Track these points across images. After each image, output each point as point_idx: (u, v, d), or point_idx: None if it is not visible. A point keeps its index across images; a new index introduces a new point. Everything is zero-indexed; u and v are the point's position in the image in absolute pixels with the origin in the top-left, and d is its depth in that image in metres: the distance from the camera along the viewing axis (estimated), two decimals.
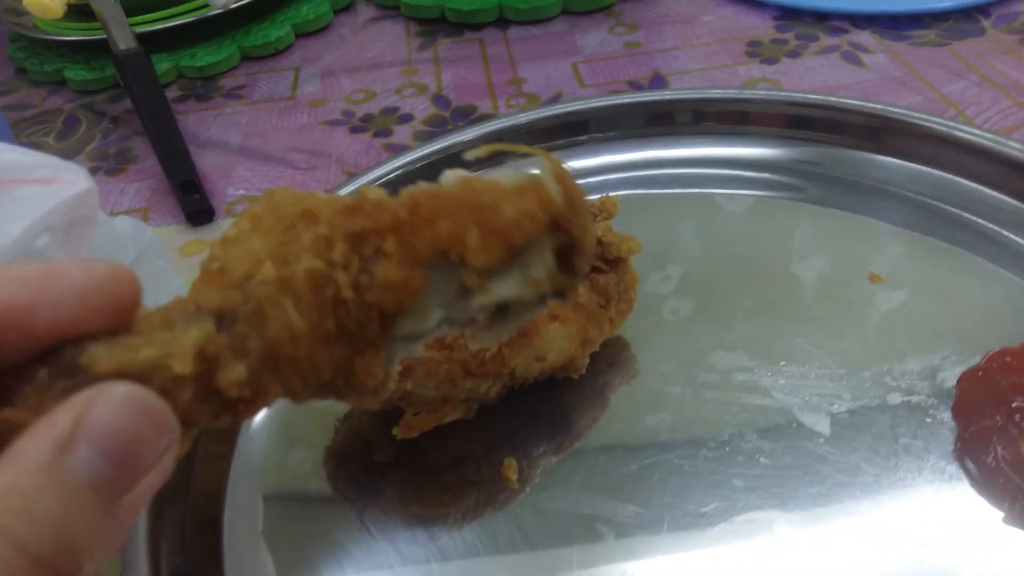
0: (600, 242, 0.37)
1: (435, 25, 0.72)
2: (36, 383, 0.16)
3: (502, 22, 0.71)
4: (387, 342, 0.20)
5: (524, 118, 0.51)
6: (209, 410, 0.18)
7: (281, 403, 0.20)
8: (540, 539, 0.33)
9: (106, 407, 0.15)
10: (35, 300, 0.16)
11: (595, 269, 0.37)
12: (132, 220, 0.34)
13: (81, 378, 0.16)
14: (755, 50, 0.62)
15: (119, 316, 0.17)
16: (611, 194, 0.39)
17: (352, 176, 0.48)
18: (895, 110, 0.47)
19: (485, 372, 0.33)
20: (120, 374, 0.17)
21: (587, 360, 0.37)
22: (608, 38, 0.67)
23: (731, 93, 0.50)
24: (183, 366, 0.17)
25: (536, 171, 0.21)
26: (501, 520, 0.34)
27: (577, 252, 0.21)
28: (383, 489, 0.36)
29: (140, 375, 0.17)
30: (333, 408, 0.39)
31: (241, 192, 0.53)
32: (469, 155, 0.23)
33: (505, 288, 0.21)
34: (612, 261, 0.38)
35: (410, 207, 0.20)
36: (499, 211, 0.20)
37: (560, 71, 0.63)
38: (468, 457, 0.37)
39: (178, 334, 0.17)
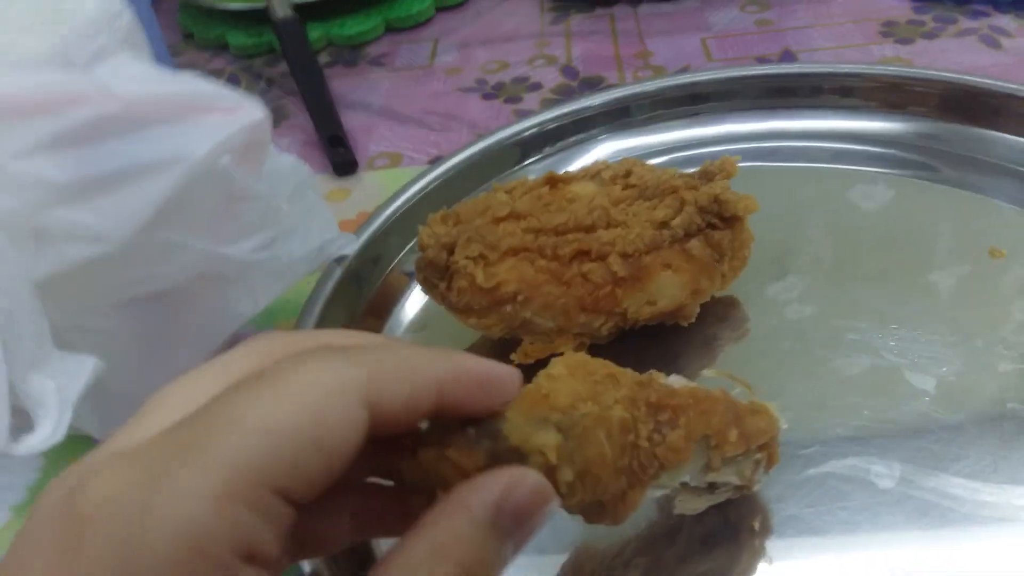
0: (717, 199, 0.39)
1: (568, 1, 0.74)
2: (466, 438, 0.23)
3: None
4: (649, 484, 0.27)
5: (646, 87, 0.53)
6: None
7: None
8: None
9: (524, 490, 0.21)
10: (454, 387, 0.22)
11: (711, 225, 0.39)
12: (293, 157, 0.38)
13: (500, 444, 0.23)
14: (890, 30, 0.62)
15: (502, 398, 0.23)
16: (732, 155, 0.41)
17: (482, 136, 0.51)
18: (1013, 86, 0.46)
19: (599, 309, 0.36)
20: (520, 451, 0.23)
21: (697, 309, 0.39)
22: (739, 16, 0.67)
23: (846, 68, 0.51)
24: (550, 460, 0.23)
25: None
26: None
27: (770, 465, 0.31)
28: None
29: (531, 451, 0.23)
30: (458, 333, 0.41)
31: (382, 148, 0.57)
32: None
33: (728, 474, 0.29)
34: (728, 218, 0.39)
35: (694, 397, 0.28)
36: (748, 422, 0.29)
37: (689, 45, 0.64)
38: None
39: (544, 435, 0.23)
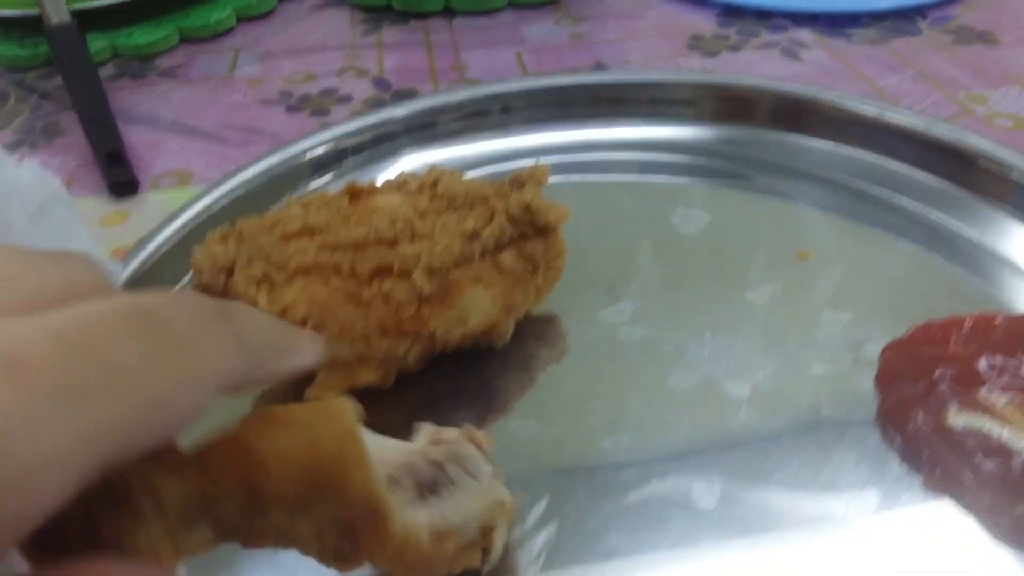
0: (528, 208, 0.36)
1: (380, 13, 0.71)
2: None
3: (448, 12, 0.70)
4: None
5: (452, 98, 0.50)
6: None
7: None
8: None
9: None
10: None
11: (523, 235, 0.37)
12: (36, 167, 0.32)
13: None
14: (696, 43, 0.63)
15: None
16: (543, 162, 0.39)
17: (282, 146, 0.47)
18: (827, 93, 0.47)
19: (403, 332, 0.33)
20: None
21: (511, 327, 0.37)
22: (553, 29, 0.67)
23: (653, 76, 0.51)
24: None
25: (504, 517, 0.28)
26: None
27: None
28: None
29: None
30: None
31: (170, 166, 0.52)
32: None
33: None
34: (540, 228, 0.37)
35: (397, 554, 0.24)
36: (436, 568, 0.26)
37: (504, 59, 0.63)
38: (385, 430, 0.35)
39: (188, 534, 0.20)
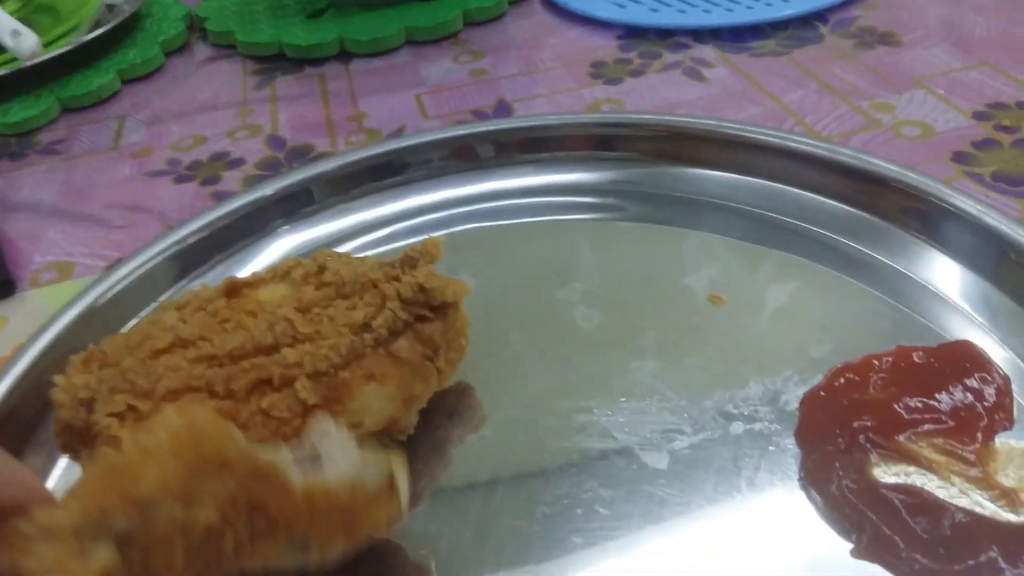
0: (423, 288, 0.34)
1: (273, 62, 0.68)
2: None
3: (344, 56, 0.68)
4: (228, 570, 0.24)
5: (353, 156, 0.48)
6: None
7: None
8: None
9: None
10: None
11: (419, 318, 0.35)
12: None
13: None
14: (599, 71, 0.61)
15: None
16: (435, 235, 0.37)
17: (170, 229, 0.44)
18: (728, 124, 0.46)
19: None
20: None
21: (415, 419, 0.35)
22: (453, 67, 0.64)
23: (534, 120, 0.49)
24: None
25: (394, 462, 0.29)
26: None
27: None
28: None
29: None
30: None
31: (49, 259, 0.49)
32: None
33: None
34: (437, 307, 0.35)
35: (308, 506, 0.25)
36: (360, 522, 0.27)
37: (403, 104, 0.60)
38: None
39: (90, 554, 0.21)
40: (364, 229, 0.47)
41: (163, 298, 0.42)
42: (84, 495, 0.22)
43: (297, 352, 0.31)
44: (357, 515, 0.27)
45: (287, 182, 0.46)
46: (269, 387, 0.30)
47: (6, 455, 0.23)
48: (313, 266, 0.36)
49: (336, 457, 0.27)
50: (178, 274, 0.43)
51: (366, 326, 0.33)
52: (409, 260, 0.36)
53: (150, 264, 0.43)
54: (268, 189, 0.45)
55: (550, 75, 0.62)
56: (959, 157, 0.47)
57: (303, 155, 0.56)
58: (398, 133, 0.56)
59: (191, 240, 0.44)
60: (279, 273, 0.36)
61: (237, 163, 0.55)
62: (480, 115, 0.57)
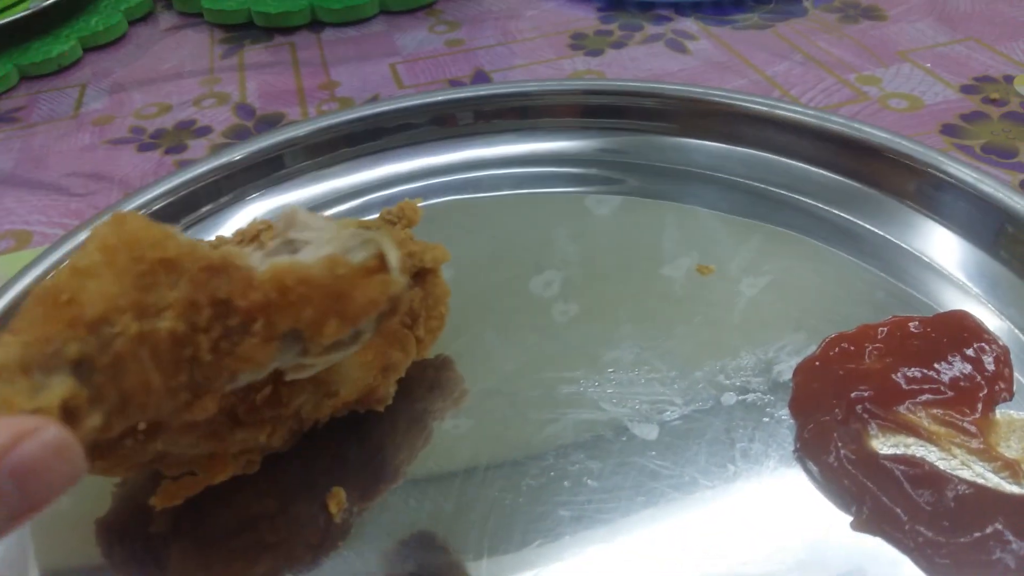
0: None
1: (242, 31, 0.66)
2: None
3: (316, 24, 0.65)
4: (224, 387, 0.22)
5: (326, 122, 0.46)
6: None
7: None
8: None
9: (32, 448, 0.17)
10: None
11: None
12: None
13: None
14: (579, 42, 0.60)
15: None
16: (413, 199, 0.35)
17: (130, 195, 0.42)
18: (715, 92, 0.44)
19: (259, 420, 0.28)
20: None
21: (393, 389, 0.33)
22: (429, 37, 0.62)
23: (516, 87, 0.47)
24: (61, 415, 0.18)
25: (380, 238, 0.25)
26: None
27: (391, 317, 0.25)
28: (165, 563, 0.31)
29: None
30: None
31: (6, 227, 0.46)
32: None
33: (338, 354, 0.24)
34: (417, 274, 0.33)
35: (278, 289, 0.22)
36: (352, 299, 0.23)
37: (377, 73, 0.58)
38: (260, 516, 0.31)
39: (43, 388, 0.18)
40: (338, 198, 0.45)
41: None
42: (24, 329, 0.19)
43: None
44: (344, 293, 0.23)
45: (256, 147, 0.44)
46: None
47: None
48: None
49: (309, 238, 0.25)
50: None
51: None
52: (386, 223, 0.34)
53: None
54: (236, 154, 0.43)
55: (528, 46, 0.60)
56: (948, 130, 0.46)
57: (273, 124, 0.53)
58: (372, 102, 0.54)
59: (155, 206, 0.42)
60: (247, 236, 0.34)
61: (204, 131, 0.53)
62: (457, 85, 0.56)
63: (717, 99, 0.44)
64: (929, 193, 0.39)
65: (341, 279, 0.23)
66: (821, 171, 0.42)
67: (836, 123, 0.41)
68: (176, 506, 0.30)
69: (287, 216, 0.26)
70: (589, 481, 0.30)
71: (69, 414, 0.19)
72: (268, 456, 0.31)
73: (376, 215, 0.34)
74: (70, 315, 0.19)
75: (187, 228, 0.42)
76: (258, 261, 0.24)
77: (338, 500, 0.30)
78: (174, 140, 0.53)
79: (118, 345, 0.19)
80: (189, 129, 0.54)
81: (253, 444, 0.29)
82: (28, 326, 0.19)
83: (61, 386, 0.19)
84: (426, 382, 0.36)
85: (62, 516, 0.31)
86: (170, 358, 0.20)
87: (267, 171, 0.44)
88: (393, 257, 0.24)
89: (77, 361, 0.19)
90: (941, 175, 0.38)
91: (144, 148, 0.52)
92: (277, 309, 0.22)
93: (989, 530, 0.27)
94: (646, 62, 0.56)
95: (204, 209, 0.43)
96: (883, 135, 0.40)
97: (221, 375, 0.22)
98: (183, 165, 0.49)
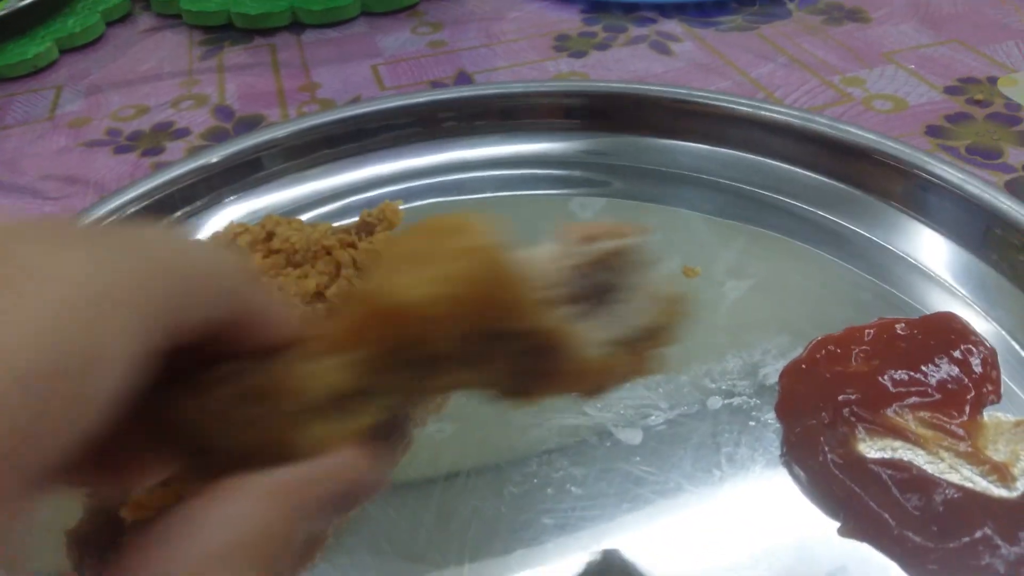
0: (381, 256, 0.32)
1: (221, 32, 0.65)
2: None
3: (296, 26, 0.65)
4: None
5: (306, 123, 0.45)
6: None
7: None
8: None
9: (336, 485, 0.18)
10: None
11: None
12: None
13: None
14: (563, 44, 0.59)
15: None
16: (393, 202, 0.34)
17: (105, 198, 0.41)
18: (699, 94, 0.44)
19: None
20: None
21: None
22: (411, 38, 0.62)
23: (499, 89, 0.47)
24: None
25: None
26: None
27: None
28: None
29: None
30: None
31: None
32: None
33: None
34: None
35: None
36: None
37: (359, 74, 0.57)
38: None
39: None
40: (317, 201, 0.44)
41: None
42: (349, 340, 0.18)
43: None
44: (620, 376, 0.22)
45: (234, 149, 0.43)
46: None
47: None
48: (261, 232, 0.33)
49: (631, 303, 0.23)
50: None
51: (319, 295, 0.31)
52: (366, 226, 0.33)
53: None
54: (213, 156, 0.42)
55: (512, 47, 0.59)
56: (933, 131, 0.46)
57: (253, 126, 0.52)
58: (353, 103, 0.54)
59: (130, 209, 0.41)
60: (223, 241, 0.34)
61: (182, 133, 0.52)
62: (440, 86, 0.55)
63: (701, 100, 0.43)
64: (915, 194, 0.38)
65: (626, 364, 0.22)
66: (806, 172, 0.41)
67: (820, 124, 0.41)
68: (149, 517, 0.29)
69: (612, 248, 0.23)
70: (573, 488, 0.30)
71: None
72: None
73: (356, 218, 0.33)
74: (394, 337, 0.18)
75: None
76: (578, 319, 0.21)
77: None
78: (151, 142, 0.52)
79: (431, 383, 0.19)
80: (167, 131, 0.53)
81: None
82: (350, 337, 0.18)
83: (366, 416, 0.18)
84: None
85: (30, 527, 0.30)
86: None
87: (245, 173, 0.43)
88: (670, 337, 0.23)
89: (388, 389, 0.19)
90: (927, 176, 0.38)
91: (120, 150, 0.51)
92: (567, 387, 0.21)
93: (978, 535, 0.26)
94: (630, 63, 0.56)
95: (180, 212, 0.42)
96: (868, 136, 0.40)
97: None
98: (159, 167, 0.48)
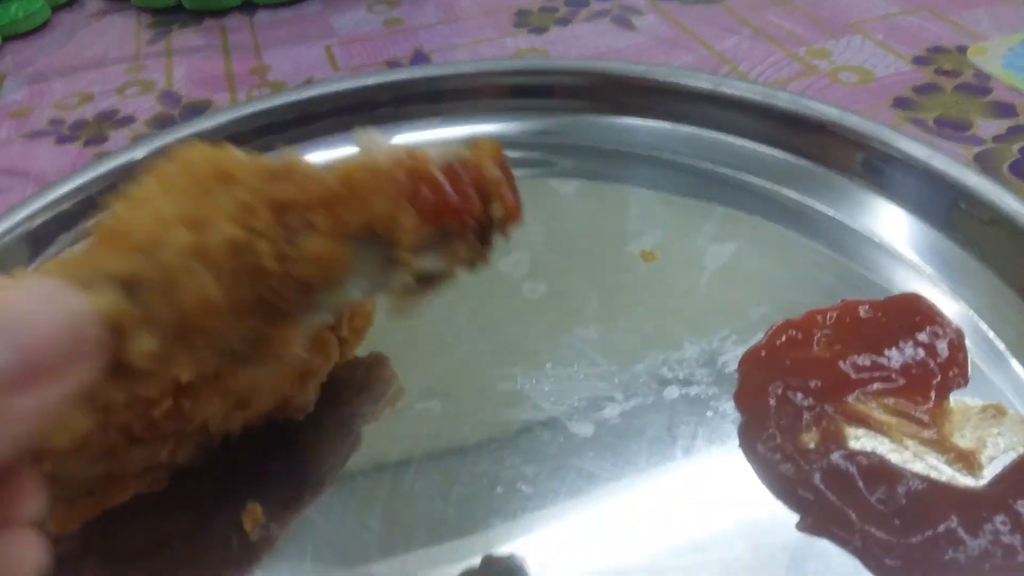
0: None
1: (171, 15, 0.63)
2: None
3: (249, 7, 0.63)
4: (303, 312, 0.20)
5: (252, 108, 0.43)
6: (117, 386, 0.17)
7: None
8: None
9: (25, 296, 0.15)
10: None
11: None
12: None
13: None
14: (523, 20, 0.57)
15: None
16: None
17: (43, 190, 0.39)
18: (659, 70, 0.42)
19: (158, 436, 0.26)
20: None
21: (313, 396, 0.31)
22: (367, 17, 0.60)
23: (450, 69, 0.45)
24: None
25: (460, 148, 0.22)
26: None
27: (508, 223, 0.23)
28: None
29: None
30: None
31: None
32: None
33: (431, 261, 0.22)
34: None
35: (344, 181, 0.20)
36: (432, 191, 0.20)
37: (312, 55, 0.56)
38: (174, 534, 0.29)
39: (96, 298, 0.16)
40: None
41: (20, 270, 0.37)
42: (70, 260, 0.18)
43: None
44: (420, 186, 0.21)
45: (177, 136, 0.41)
46: None
47: None
48: None
49: None
50: (46, 242, 0.38)
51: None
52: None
53: (17, 231, 0.38)
54: (154, 144, 0.41)
55: (470, 24, 0.57)
56: (901, 103, 0.45)
57: (200, 112, 0.51)
58: (304, 86, 0.52)
59: (65, 205, 0.39)
60: None
61: (126, 121, 0.50)
62: (395, 67, 0.53)
63: (660, 77, 0.42)
64: (878, 169, 0.37)
65: (419, 172, 0.21)
66: (768, 149, 0.40)
67: (782, 100, 0.40)
68: (86, 524, 0.28)
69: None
70: (523, 486, 0.28)
71: (115, 331, 0.16)
72: (180, 471, 0.29)
73: None
74: (123, 244, 0.17)
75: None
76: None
77: (254, 516, 0.28)
78: (94, 131, 0.50)
79: (170, 259, 0.17)
80: (111, 120, 0.51)
81: (154, 462, 0.27)
82: (75, 257, 0.18)
83: (104, 301, 0.16)
84: (355, 383, 0.34)
85: None
86: (230, 270, 0.18)
87: None
88: (487, 157, 0.22)
89: (125, 280, 0.17)
90: (889, 150, 0.37)
91: (62, 140, 0.49)
92: (342, 201, 0.19)
93: (942, 528, 0.25)
94: (592, 40, 0.54)
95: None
96: (831, 110, 0.38)
97: (292, 292, 0.19)
98: (100, 158, 0.46)
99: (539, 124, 0.44)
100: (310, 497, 0.30)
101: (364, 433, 0.32)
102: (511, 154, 0.43)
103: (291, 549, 0.28)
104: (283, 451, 0.31)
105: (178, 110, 0.51)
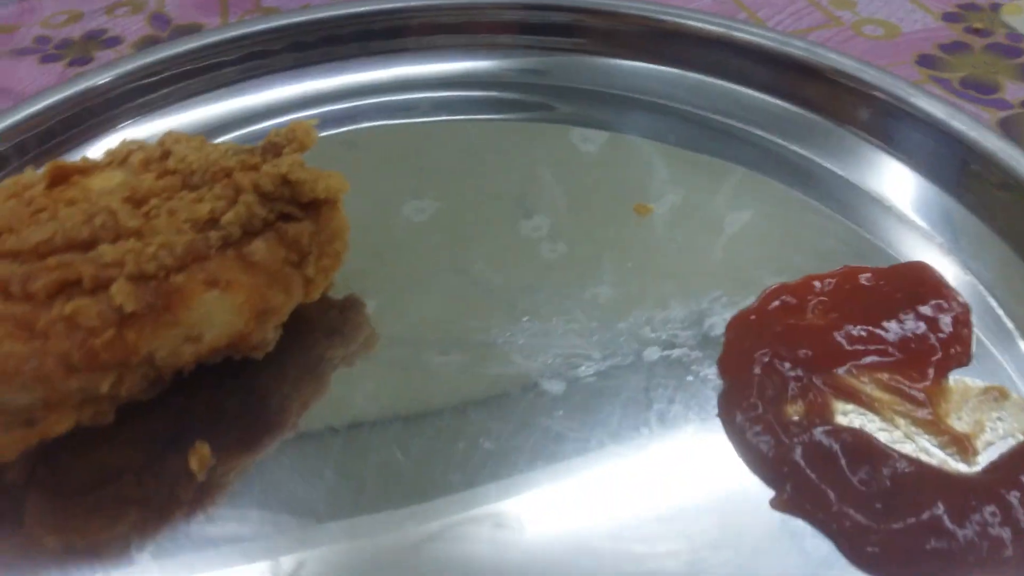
0: (287, 180, 0.28)
1: None
2: None
3: None
4: None
5: (237, 31, 0.41)
6: None
7: None
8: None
9: None
10: None
11: (284, 216, 0.29)
12: None
13: None
14: None
15: None
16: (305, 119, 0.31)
17: (17, 105, 0.38)
18: (669, 10, 0.40)
19: (99, 364, 0.25)
20: None
21: (274, 334, 0.29)
22: None
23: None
24: None
25: None
26: (178, 545, 0.25)
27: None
28: (20, 515, 0.27)
29: None
30: None
31: None
32: None
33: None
34: (307, 205, 0.29)
35: None
36: None
37: None
38: (123, 469, 0.28)
39: None
40: (242, 120, 0.40)
41: None
42: None
43: (117, 250, 0.25)
44: None
45: (145, 61, 0.39)
46: (78, 289, 0.25)
47: None
48: (157, 151, 0.30)
49: None
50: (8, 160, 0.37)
51: (212, 222, 0.27)
52: (272, 147, 0.30)
53: None
54: (123, 68, 0.39)
55: None
56: (925, 60, 0.42)
57: (188, 35, 0.48)
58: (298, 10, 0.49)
59: (42, 127, 0.38)
60: (117, 158, 0.30)
61: (113, 42, 0.48)
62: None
63: (666, 18, 0.39)
64: (893, 128, 0.35)
65: None
66: (778, 101, 0.38)
67: (796, 47, 0.37)
68: (31, 455, 0.27)
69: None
70: (485, 443, 0.27)
71: None
72: (130, 406, 0.28)
73: None
74: None
75: (69, 151, 0.37)
76: None
77: (201, 456, 0.27)
78: (80, 51, 0.48)
79: None
80: (97, 40, 0.49)
81: (96, 393, 0.25)
82: None
83: None
84: (326, 325, 0.32)
85: None
86: None
87: (166, 86, 0.40)
88: None
89: None
90: (906, 107, 0.34)
91: (47, 59, 0.47)
92: None
93: (926, 516, 0.23)
94: None
95: (84, 131, 0.38)
96: (846, 61, 0.36)
97: None
98: (75, 77, 0.44)
99: (539, 63, 0.41)
100: (265, 441, 0.28)
101: (332, 379, 0.30)
102: (509, 95, 0.41)
103: (239, 493, 0.26)
104: (241, 392, 0.29)
105: (167, 32, 0.49)
